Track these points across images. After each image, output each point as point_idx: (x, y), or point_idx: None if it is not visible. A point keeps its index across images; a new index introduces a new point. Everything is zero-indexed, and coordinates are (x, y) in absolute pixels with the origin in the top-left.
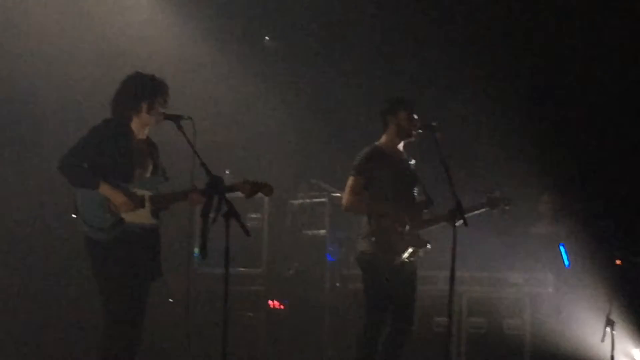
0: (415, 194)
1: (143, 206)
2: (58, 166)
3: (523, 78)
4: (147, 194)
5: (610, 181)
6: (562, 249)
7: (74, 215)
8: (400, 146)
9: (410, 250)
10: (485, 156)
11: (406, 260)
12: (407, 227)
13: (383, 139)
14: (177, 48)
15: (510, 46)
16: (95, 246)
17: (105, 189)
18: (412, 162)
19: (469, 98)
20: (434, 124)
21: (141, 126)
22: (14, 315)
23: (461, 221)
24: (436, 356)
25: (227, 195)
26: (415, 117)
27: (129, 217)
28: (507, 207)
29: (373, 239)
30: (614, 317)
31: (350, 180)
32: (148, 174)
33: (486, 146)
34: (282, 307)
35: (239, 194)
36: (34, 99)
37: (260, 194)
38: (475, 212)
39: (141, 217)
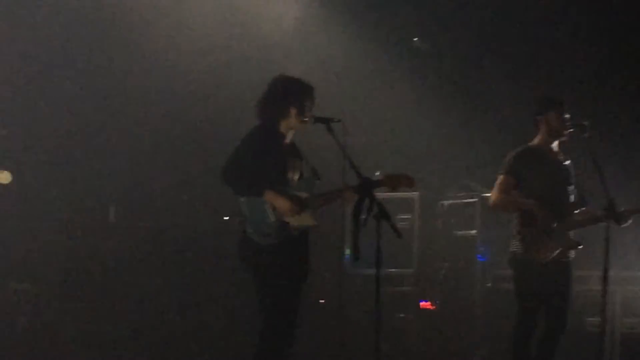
0: (569, 193)
1: (305, 209)
2: (221, 178)
3: None
4: (304, 195)
5: None
6: None
7: (225, 218)
8: (555, 146)
9: (559, 250)
10: None
11: (556, 259)
12: (555, 226)
13: (536, 139)
14: (327, 49)
15: None
16: (260, 251)
17: (270, 195)
18: (568, 162)
19: (624, 94)
20: (585, 123)
21: (288, 129)
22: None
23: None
24: (589, 356)
25: (378, 196)
26: (567, 116)
27: (293, 220)
28: None
29: (520, 237)
30: None
31: (499, 179)
32: (297, 177)
33: None
34: (433, 307)
35: (390, 195)
36: (191, 102)
37: (410, 192)
38: (634, 214)
39: (304, 219)
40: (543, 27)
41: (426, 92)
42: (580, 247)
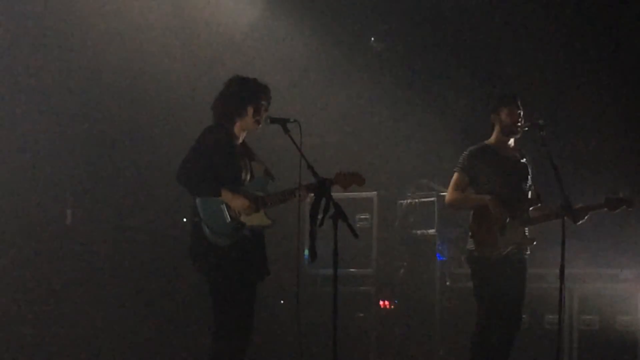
0: (525, 190)
1: (261, 209)
2: (177, 178)
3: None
4: (259, 195)
5: None
6: None
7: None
8: (511, 143)
9: (511, 246)
10: (605, 153)
11: (512, 256)
12: (508, 222)
13: (492, 137)
14: (284, 49)
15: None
16: (215, 252)
17: (226, 195)
18: (524, 160)
19: (588, 93)
20: (540, 121)
21: (242, 130)
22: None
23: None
24: (547, 353)
25: (336, 196)
26: (519, 112)
27: (248, 220)
28: (629, 209)
29: (472, 234)
30: None
31: (454, 177)
32: (249, 178)
33: (607, 143)
34: (392, 307)
35: (348, 195)
36: (142, 102)
37: (368, 192)
38: (590, 212)
39: (259, 219)
40: (501, 26)
41: (383, 92)
42: (534, 243)
